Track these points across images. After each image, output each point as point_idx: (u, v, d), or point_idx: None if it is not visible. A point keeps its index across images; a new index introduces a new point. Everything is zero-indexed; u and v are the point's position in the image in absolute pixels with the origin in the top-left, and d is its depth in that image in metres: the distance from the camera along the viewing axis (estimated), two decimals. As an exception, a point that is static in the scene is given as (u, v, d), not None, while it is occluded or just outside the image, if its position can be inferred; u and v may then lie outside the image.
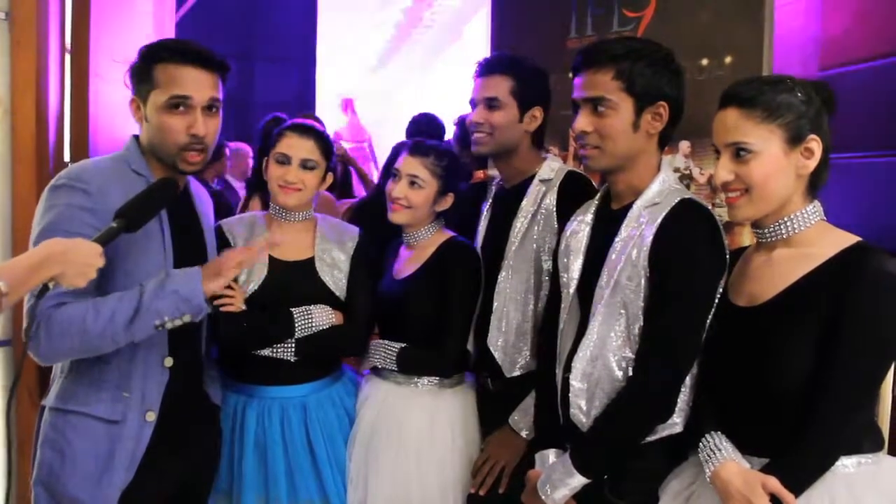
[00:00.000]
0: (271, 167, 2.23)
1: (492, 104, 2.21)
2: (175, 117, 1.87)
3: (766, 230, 1.67)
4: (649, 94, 1.79)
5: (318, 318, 2.20)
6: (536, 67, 2.27)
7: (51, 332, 1.72)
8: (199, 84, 1.88)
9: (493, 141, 2.23)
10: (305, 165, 2.21)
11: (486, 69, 2.25)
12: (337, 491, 2.21)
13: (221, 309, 2.10)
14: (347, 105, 7.48)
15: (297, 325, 2.17)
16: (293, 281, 2.22)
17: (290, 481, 2.17)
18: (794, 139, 1.60)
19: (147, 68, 1.89)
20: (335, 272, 2.27)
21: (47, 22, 2.37)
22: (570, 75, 1.87)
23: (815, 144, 1.61)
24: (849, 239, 1.60)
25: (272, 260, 2.22)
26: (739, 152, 1.61)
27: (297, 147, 2.21)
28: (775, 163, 1.60)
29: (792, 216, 1.63)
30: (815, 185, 1.65)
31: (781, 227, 1.64)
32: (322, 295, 2.24)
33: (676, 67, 1.83)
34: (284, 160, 2.21)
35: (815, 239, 1.62)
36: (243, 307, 2.15)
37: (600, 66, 1.80)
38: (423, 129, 3.77)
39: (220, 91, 1.94)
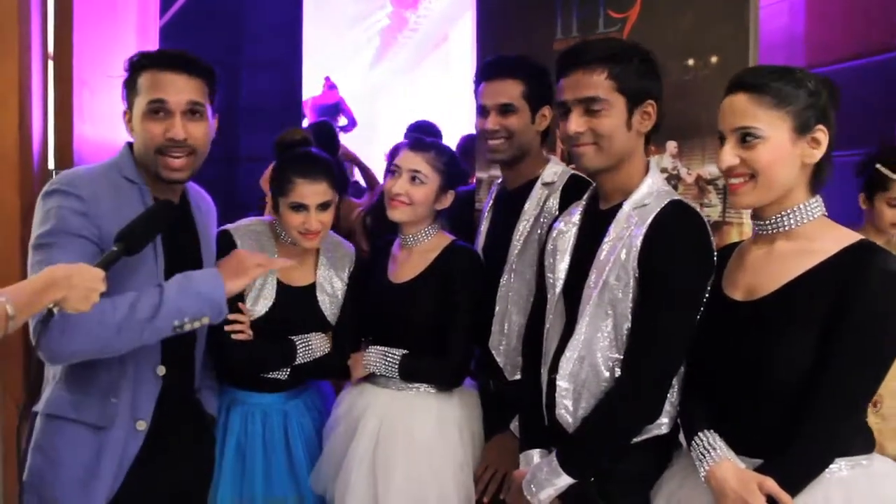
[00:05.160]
0: (287, 213, 2.21)
1: (506, 109, 2.19)
2: (154, 122, 1.88)
3: (767, 221, 1.65)
4: (639, 94, 1.81)
5: (316, 347, 2.28)
6: (541, 66, 2.26)
7: (66, 326, 1.69)
8: (176, 88, 1.88)
9: (511, 146, 2.22)
10: (323, 207, 2.20)
11: (495, 73, 2.23)
12: (311, 490, 2.26)
13: (233, 336, 2.14)
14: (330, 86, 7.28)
15: (298, 354, 2.23)
16: (296, 308, 2.27)
17: (266, 480, 2.21)
18: (802, 128, 1.59)
19: (133, 79, 1.91)
20: (333, 300, 2.33)
21: (29, 27, 2.34)
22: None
23: (821, 135, 1.60)
24: (852, 236, 1.60)
25: (279, 284, 2.26)
26: (746, 137, 1.60)
27: (312, 194, 2.18)
28: (782, 149, 1.59)
29: (794, 208, 1.62)
30: (817, 181, 1.65)
31: (784, 218, 1.63)
32: (318, 322, 2.32)
33: (657, 68, 1.85)
34: (301, 208, 2.19)
35: (817, 234, 1.62)
36: (251, 335, 2.20)
37: (593, 67, 1.80)
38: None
39: (204, 95, 1.93)
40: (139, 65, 1.91)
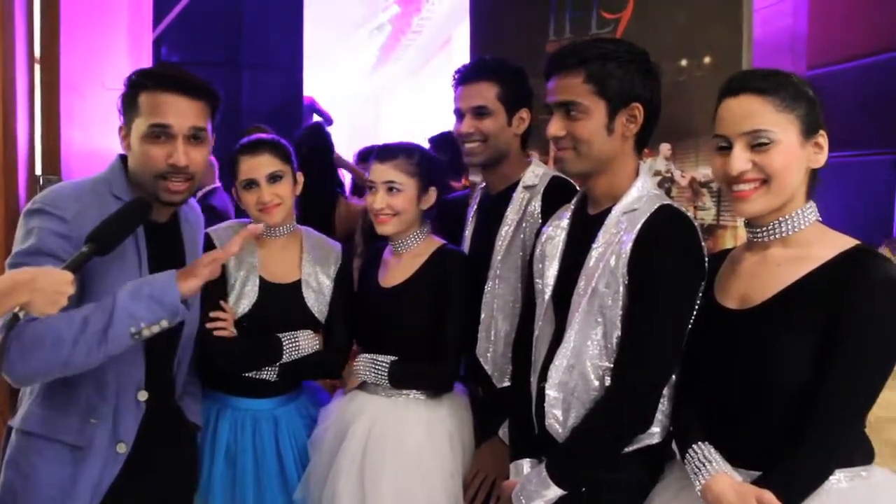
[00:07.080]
0: (242, 195, 2.24)
1: (480, 112, 2.18)
2: (155, 146, 1.83)
3: (763, 228, 1.60)
4: (622, 96, 1.75)
5: (304, 344, 2.23)
6: (517, 68, 2.24)
7: (23, 345, 1.65)
8: (180, 112, 1.83)
9: (486, 149, 2.20)
10: (273, 179, 2.21)
11: (469, 77, 2.22)
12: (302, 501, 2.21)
13: (214, 333, 2.12)
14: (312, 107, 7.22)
15: (285, 351, 2.20)
16: (280, 305, 2.24)
17: (257, 487, 2.19)
18: (808, 131, 1.55)
19: (133, 96, 1.86)
20: (319, 297, 2.29)
21: (13, 30, 2.32)
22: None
23: (822, 139, 1.56)
24: (847, 241, 1.55)
25: (262, 282, 2.23)
26: (759, 141, 1.54)
27: (256, 167, 2.20)
28: (793, 154, 1.54)
29: (792, 214, 1.57)
30: (812, 186, 1.60)
31: (781, 225, 1.58)
32: (306, 319, 2.27)
33: (650, 68, 1.79)
34: (251, 184, 2.21)
35: (813, 240, 1.57)
36: (234, 332, 2.17)
37: (571, 70, 1.76)
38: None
39: (206, 121, 1.89)
40: (140, 83, 1.86)
